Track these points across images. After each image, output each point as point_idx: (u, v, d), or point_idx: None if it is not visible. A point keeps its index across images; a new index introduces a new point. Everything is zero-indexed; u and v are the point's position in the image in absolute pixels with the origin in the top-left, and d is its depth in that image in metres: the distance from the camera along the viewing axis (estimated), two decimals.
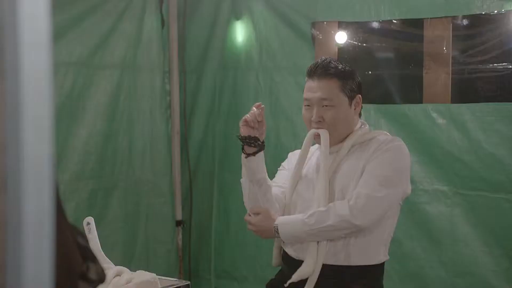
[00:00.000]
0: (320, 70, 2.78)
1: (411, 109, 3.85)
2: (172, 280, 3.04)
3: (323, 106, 2.75)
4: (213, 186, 4.73)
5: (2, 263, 0.71)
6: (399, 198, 2.77)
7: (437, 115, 3.77)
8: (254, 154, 2.81)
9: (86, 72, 4.32)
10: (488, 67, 3.78)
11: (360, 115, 2.88)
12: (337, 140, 2.79)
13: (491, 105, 3.66)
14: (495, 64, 3.74)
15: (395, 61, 4.23)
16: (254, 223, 2.89)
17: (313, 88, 2.78)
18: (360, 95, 2.82)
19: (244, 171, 2.89)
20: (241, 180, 2.95)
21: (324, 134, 2.73)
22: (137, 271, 2.98)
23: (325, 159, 2.73)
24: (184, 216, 4.87)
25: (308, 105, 2.80)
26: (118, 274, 2.94)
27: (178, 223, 4.84)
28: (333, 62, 2.81)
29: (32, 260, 0.71)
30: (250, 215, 2.93)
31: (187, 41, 4.81)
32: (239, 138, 2.82)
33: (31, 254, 0.71)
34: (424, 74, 3.88)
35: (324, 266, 2.70)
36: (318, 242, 2.70)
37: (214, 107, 4.74)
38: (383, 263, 2.82)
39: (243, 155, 2.84)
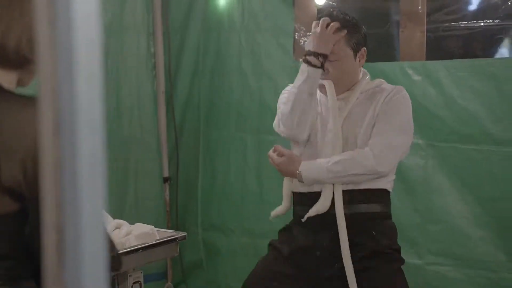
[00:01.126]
0: (327, 22, 2.75)
1: (388, 67, 3.87)
2: (170, 232, 3.08)
3: (328, 58, 2.75)
4: (199, 142, 4.73)
5: (59, 203, 0.73)
6: (410, 144, 2.88)
7: (413, 72, 3.80)
8: (321, 66, 2.76)
9: None
10: (461, 25, 3.81)
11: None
12: (341, 90, 2.82)
13: (465, 61, 3.70)
14: (469, 22, 3.77)
15: (373, 21, 4.24)
16: (277, 164, 2.87)
17: (318, 40, 2.75)
18: (365, 48, 2.85)
19: (304, 85, 2.80)
20: (295, 93, 2.83)
21: (329, 84, 2.76)
22: (136, 224, 3.03)
23: (333, 107, 2.76)
24: (170, 173, 4.88)
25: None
26: (118, 227, 2.98)
27: (165, 180, 4.86)
28: (341, 14, 2.81)
29: (87, 199, 0.74)
30: (274, 152, 2.89)
31: (170, 2, 4.78)
32: (308, 52, 2.79)
33: (86, 193, 0.74)
34: (400, 33, 3.91)
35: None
36: None
37: (198, 66, 4.72)
38: (389, 192, 2.92)
39: (309, 68, 2.76)
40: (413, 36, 3.86)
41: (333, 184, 2.75)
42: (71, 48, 0.72)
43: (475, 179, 3.68)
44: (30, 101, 1.53)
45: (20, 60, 1.58)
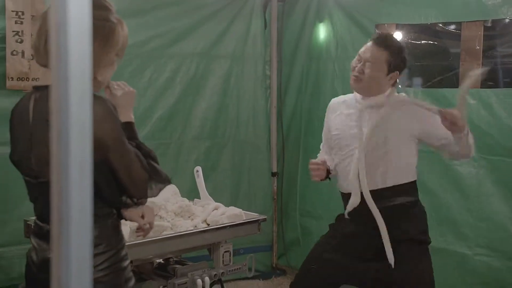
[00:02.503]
0: (380, 40, 2.74)
1: (450, 92, 3.76)
2: (254, 215, 3.12)
3: (366, 63, 2.70)
4: (299, 147, 4.78)
5: (59, 192, 0.80)
6: None
7: (469, 97, 3.66)
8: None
9: (206, 60, 4.44)
10: (510, 60, 3.66)
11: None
12: (365, 92, 2.76)
13: (511, 90, 3.54)
14: None
15: (439, 55, 4.13)
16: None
17: (367, 49, 2.74)
18: (398, 72, 2.75)
19: None
20: None
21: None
22: (229, 207, 3.09)
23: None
24: (278, 169, 4.95)
25: (358, 59, 2.75)
26: (216, 208, 3.06)
27: (273, 174, 4.92)
28: (394, 39, 2.79)
29: (77, 194, 0.80)
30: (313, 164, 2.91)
31: (283, 38, 4.86)
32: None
33: (75, 187, 0.80)
34: (460, 65, 3.78)
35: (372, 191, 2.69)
36: (358, 177, 2.69)
37: (301, 88, 4.77)
38: (414, 181, 2.80)
39: None
40: (471, 68, 3.71)
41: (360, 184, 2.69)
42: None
43: None
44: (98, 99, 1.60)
45: None
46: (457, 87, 3.77)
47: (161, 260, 2.83)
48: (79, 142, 0.81)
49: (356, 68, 2.73)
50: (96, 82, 1.76)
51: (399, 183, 2.74)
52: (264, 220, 3.06)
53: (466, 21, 3.70)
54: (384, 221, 2.66)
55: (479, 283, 3.65)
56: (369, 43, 2.76)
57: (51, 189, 0.82)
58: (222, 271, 2.83)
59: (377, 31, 4.13)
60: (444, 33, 3.99)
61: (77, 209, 0.81)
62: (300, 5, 4.72)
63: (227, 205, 3.20)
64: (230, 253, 2.87)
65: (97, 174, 1.60)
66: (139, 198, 1.71)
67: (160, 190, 1.75)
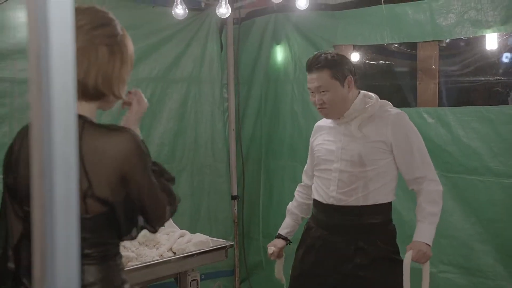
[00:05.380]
0: (314, 64, 2.71)
1: (408, 112, 3.72)
2: (221, 241, 3.08)
3: (321, 92, 2.69)
4: (260, 169, 4.76)
5: (43, 231, 0.75)
6: None
7: (427, 116, 3.72)
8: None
9: (162, 84, 4.40)
10: (466, 79, 3.73)
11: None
12: (339, 114, 2.74)
13: (469, 108, 3.59)
14: (471, 77, 3.68)
15: (396, 75, 4.19)
16: None
17: (311, 80, 2.73)
18: (351, 76, 2.73)
19: None
20: None
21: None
22: (195, 234, 3.03)
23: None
24: (238, 192, 4.91)
25: (312, 92, 2.75)
26: (182, 236, 2.99)
27: (234, 197, 4.87)
28: (323, 55, 2.74)
29: (63, 229, 0.75)
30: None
31: (240, 61, 4.85)
32: None
33: (61, 226, 0.75)
34: (417, 85, 3.84)
35: (348, 208, 2.68)
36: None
37: (260, 110, 4.76)
38: (391, 202, 2.78)
39: None
40: (428, 87, 3.78)
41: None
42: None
43: (478, 204, 3.57)
44: (108, 130, 1.57)
45: (98, 94, 1.62)
46: (415, 106, 3.85)
47: None
48: (64, 180, 0.75)
49: (316, 101, 2.72)
50: (115, 102, 1.73)
51: (379, 203, 2.72)
52: (232, 246, 3.01)
53: (422, 41, 3.77)
54: (363, 237, 2.66)
55: None
56: (308, 74, 2.76)
57: (33, 230, 0.77)
58: None
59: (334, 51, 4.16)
60: (400, 53, 4.05)
61: (63, 252, 0.75)
62: (256, 27, 4.72)
63: (187, 230, 3.13)
64: (197, 281, 2.81)
65: (122, 211, 1.58)
66: (158, 225, 1.69)
67: (173, 213, 1.73)
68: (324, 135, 2.87)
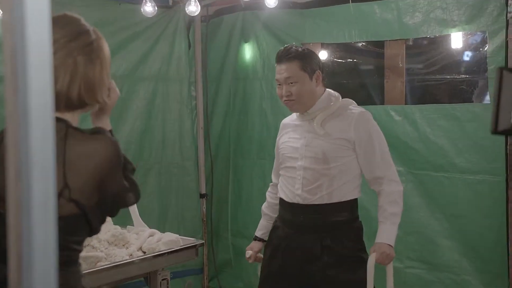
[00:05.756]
0: (284, 55, 2.71)
1: (376, 109, 3.82)
2: (191, 240, 3.06)
3: (289, 83, 2.68)
4: (229, 167, 4.75)
5: (19, 235, 0.73)
6: None
7: (394, 114, 3.76)
8: None
9: (129, 82, 4.35)
10: (432, 77, 3.79)
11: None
12: (304, 108, 2.74)
13: (435, 106, 3.65)
14: (437, 75, 3.75)
15: (363, 73, 4.23)
16: None
17: (280, 70, 2.71)
18: (319, 71, 2.74)
19: None
20: None
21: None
22: (165, 233, 3.01)
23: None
24: (207, 191, 4.89)
25: (279, 84, 2.74)
26: (151, 235, 2.97)
27: (202, 196, 4.85)
28: (293, 47, 2.74)
29: (41, 233, 0.73)
30: None
31: (208, 59, 4.83)
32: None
33: (39, 228, 0.73)
34: (385, 83, 3.88)
35: (313, 206, 2.68)
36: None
37: (229, 108, 4.75)
38: (356, 198, 2.79)
39: None
40: (395, 85, 3.83)
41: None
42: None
43: (443, 200, 3.63)
44: (90, 135, 1.60)
45: (82, 103, 1.63)
46: (382, 104, 3.90)
47: None
48: (41, 181, 0.74)
49: (283, 93, 2.71)
50: (106, 106, 1.75)
51: (344, 200, 2.72)
52: (202, 244, 3.00)
53: (389, 40, 3.81)
54: (329, 235, 2.67)
55: None
56: (277, 65, 2.75)
57: (9, 233, 0.75)
58: None
59: None
60: (368, 51, 4.09)
61: (40, 255, 0.74)
62: (224, 25, 4.71)
63: (155, 229, 3.11)
64: (167, 280, 2.79)
65: (94, 213, 1.57)
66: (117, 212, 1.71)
67: (137, 200, 1.74)
68: (290, 133, 2.87)
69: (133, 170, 1.74)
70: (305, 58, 2.71)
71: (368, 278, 2.59)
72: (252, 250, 2.98)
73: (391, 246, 2.69)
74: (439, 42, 3.69)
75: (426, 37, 3.69)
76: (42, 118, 0.74)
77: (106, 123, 1.79)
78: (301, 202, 2.72)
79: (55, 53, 1.54)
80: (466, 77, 3.63)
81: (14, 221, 0.74)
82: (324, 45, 4.21)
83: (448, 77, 3.68)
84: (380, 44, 3.89)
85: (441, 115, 3.57)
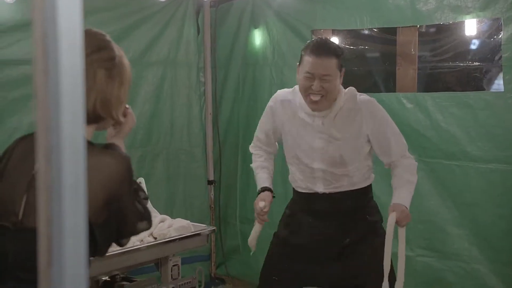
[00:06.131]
0: (323, 49, 2.62)
1: (387, 97, 3.82)
2: (202, 226, 3.07)
3: (323, 79, 2.60)
4: (238, 154, 4.74)
5: (49, 217, 0.74)
6: None
7: (406, 101, 3.75)
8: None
9: (138, 67, 4.34)
10: (445, 64, 3.77)
11: None
12: (327, 107, 2.70)
13: (447, 94, 3.64)
14: (450, 63, 3.73)
15: (375, 60, 4.21)
16: None
17: (316, 64, 2.59)
18: (344, 69, 2.72)
19: None
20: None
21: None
22: (176, 219, 3.02)
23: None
24: (215, 177, 4.90)
25: (308, 77, 2.62)
26: (162, 221, 2.99)
27: (210, 182, 4.86)
28: (329, 41, 2.73)
29: (71, 215, 0.74)
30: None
31: (217, 44, 4.82)
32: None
33: (69, 211, 0.74)
34: (396, 70, 3.86)
35: (335, 194, 2.74)
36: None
37: (238, 94, 4.75)
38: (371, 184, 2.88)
39: None
40: (407, 72, 3.81)
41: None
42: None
43: (455, 188, 3.62)
44: (102, 150, 1.61)
45: (97, 118, 1.63)
46: (394, 91, 3.88)
47: (107, 278, 2.72)
48: (72, 164, 0.74)
49: (314, 88, 2.61)
50: (119, 125, 1.74)
51: (361, 187, 2.81)
52: (213, 231, 3.01)
53: (402, 27, 3.79)
54: (351, 217, 2.76)
55: (421, 283, 3.73)
56: (313, 57, 2.62)
57: (38, 216, 0.75)
58: (173, 285, 2.76)
59: (313, 36, 4.16)
60: (379, 38, 4.07)
61: (71, 238, 0.74)
62: (234, 11, 4.69)
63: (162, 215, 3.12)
64: (178, 266, 2.81)
65: (101, 232, 1.55)
66: (126, 241, 1.70)
67: (147, 229, 1.74)
68: (297, 126, 2.80)
69: (145, 198, 1.72)
70: (340, 56, 2.67)
71: (387, 237, 2.59)
72: (265, 201, 2.80)
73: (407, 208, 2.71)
74: (452, 29, 3.66)
75: (440, 24, 3.66)
76: (72, 99, 0.74)
77: (120, 145, 1.77)
78: (320, 192, 2.78)
79: None
80: (479, 65, 3.61)
81: (44, 205, 0.74)
82: (335, 32, 4.19)
83: (461, 64, 3.66)
84: (392, 31, 3.86)
85: (453, 103, 3.56)
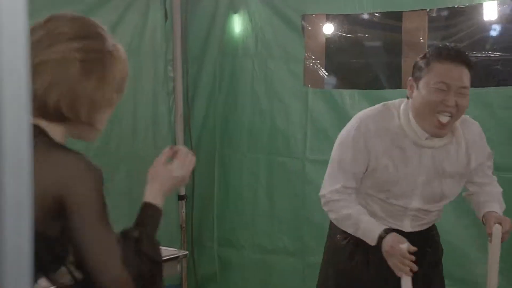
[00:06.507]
0: (459, 55, 2.54)
1: (391, 94, 3.82)
2: (172, 250, 3.06)
3: (459, 93, 2.50)
4: (214, 162, 4.73)
5: None
6: None
7: None
8: None
9: None
10: None
11: None
12: (450, 129, 2.62)
13: None
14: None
15: (377, 50, 4.23)
16: None
17: (453, 74, 2.49)
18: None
19: None
20: None
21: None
22: None
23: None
24: (187, 191, 4.88)
25: (443, 89, 2.48)
26: None
27: (181, 197, 4.83)
28: (461, 48, 2.77)
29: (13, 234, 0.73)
30: None
31: (189, 32, 4.81)
32: None
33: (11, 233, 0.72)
34: (402, 62, 3.88)
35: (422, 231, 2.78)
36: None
37: (214, 90, 4.73)
38: None
39: None
40: None
41: None
42: None
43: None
44: (57, 149, 1.58)
45: (59, 115, 1.58)
46: (399, 87, 3.89)
47: None
48: (15, 182, 0.72)
49: (449, 103, 2.48)
50: (93, 131, 1.70)
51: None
52: (185, 256, 3.00)
53: (408, 11, 3.80)
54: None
55: None
56: (446, 63, 2.51)
57: None
58: None
59: (303, 22, 4.16)
60: (382, 24, 4.09)
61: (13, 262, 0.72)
62: None
63: None
64: None
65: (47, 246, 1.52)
66: None
67: None
68: (399, 161, 2.63)
69: (159, 255, 1.73)
70: (473, 67, 2.59)
71: (495, 251, 2.59)
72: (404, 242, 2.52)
73: None
74: (469, 13, 3.69)
75: (453, 6, 3.68)
76: (16, 110, 0.73)
77: (154, 196, 1.86)
78: (406, 231, 2.70)
79: (51, 47, 1.53)
80: (501, 56, 3.63)
81: None
82: (329, 17, 4.21)
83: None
84: (397, 16, 3.88)
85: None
